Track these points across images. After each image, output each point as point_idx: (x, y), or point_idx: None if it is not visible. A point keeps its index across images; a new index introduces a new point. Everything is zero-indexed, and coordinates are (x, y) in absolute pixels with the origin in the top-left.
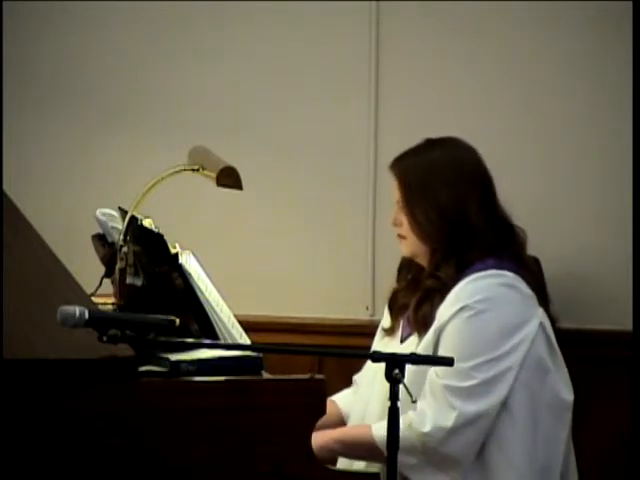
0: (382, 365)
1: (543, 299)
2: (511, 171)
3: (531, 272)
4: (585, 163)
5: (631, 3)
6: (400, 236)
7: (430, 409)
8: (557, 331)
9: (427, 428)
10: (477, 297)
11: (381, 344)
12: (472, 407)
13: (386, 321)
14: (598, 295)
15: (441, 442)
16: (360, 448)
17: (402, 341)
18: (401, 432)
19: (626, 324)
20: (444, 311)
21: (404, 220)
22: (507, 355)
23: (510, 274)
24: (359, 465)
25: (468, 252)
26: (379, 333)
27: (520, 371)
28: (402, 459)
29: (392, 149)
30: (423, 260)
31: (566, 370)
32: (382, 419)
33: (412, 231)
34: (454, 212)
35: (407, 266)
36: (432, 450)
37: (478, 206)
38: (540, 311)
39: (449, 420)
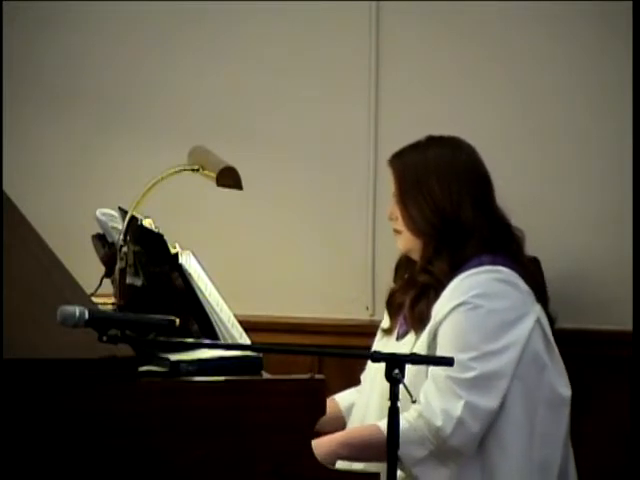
0: (382, 365)
1: (541, 298)
2: (511, 171)
3: (528, 270)
4: (585, 163)
5: (631, 3)
6: (396, 230)
7: (436, 400)
8: (558, 331)
9: (439, 421)
10: (473, 292)
11: (380, 344)
12: (478, 399)
13: (385, 321)
14: (598, 295)
15: (452, 433)
16: (370, 449)
17: (398, 338)
18: (411, 423)
19: (627, 324)
20: (440, 309)
21: (399, 214)
22: (505, 350)
23: (506, 270)
24: (358, 465)
25: (462, 249)
26: (379, 333)
27: (516, 366)
28: (411, 451)
29: (392, 149)
30: (417, 255)
31: (563, 365)
32: (381, 418)
33: (405, 225)
34: (448, 209)
35: (404, 265)
36: (442, 441)
37: (473, 205)
38: (537, 307)
39: (457, 409)
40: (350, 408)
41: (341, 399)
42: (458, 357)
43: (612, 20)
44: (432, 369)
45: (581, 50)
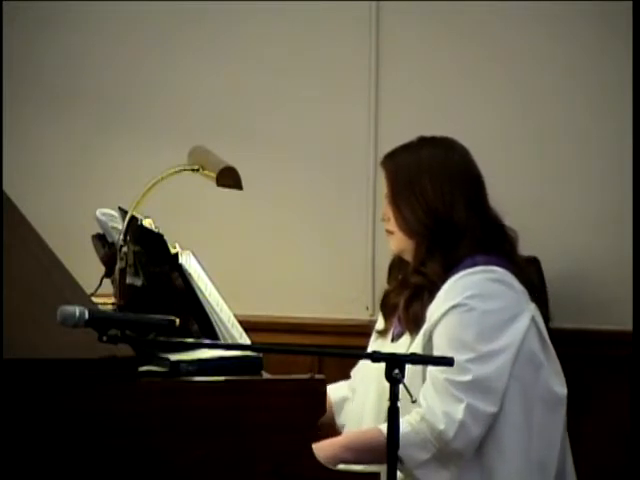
0: (378, 365)
1: (537, 298)
2: (511, 171)
3: (522, 269)
4: (585, 163)
5: (631, 3)
6: (388, 231)
7: (437, 403)
8: (558, 331)
9: (442, 425)
10: (468, 293)
11: (375, 346)
12: (478, 402)
13: (380, 323)
14: (598, 295)
15: (454, 436)
16: (373, 452)
17: (393, 340)
18: (413, 426)
19: (627, 324)
20: (434, 310)
21: (391, 215)
22: (502, 351)
23: (500, 269)
24: (358, 465)
25: (455, 250)
26: (373, 335)
27: (513, 365)
28: (414, 454)
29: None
30: (410, 256)
31: (559, 364)
32: (379, 419)
33: (398, 226)
34: (440, 209)
35: (397, 266)
36: (444, 444)
37: (465, 205)
38: (532, 306)
39: (459, 412)
40: (340, 402)
41: (332, 393)
42: (455, 359)
43: (612, 20)
44: (430, 371)
45: (581, 50)
